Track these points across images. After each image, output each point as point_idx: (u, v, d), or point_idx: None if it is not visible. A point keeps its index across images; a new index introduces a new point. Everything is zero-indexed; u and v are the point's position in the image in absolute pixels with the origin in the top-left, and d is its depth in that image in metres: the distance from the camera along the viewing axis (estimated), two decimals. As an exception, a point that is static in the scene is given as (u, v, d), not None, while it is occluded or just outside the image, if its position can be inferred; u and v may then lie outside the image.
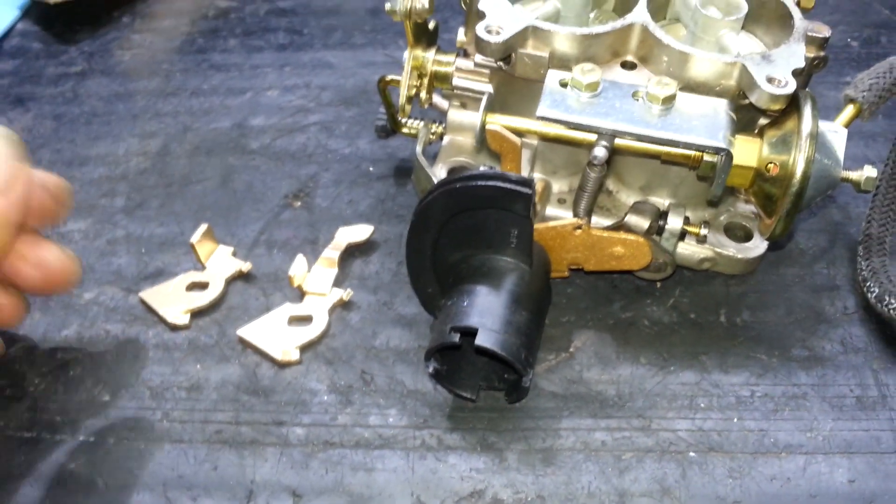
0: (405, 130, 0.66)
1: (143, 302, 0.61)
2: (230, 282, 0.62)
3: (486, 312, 0.51)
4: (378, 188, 0.69)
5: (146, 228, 0.66)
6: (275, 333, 0.58)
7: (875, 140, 0.70)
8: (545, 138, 0.57)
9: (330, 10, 0.89)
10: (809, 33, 0.55)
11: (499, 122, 0.56)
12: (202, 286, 0.61)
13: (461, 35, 0.62)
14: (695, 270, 0.61)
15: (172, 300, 0.60)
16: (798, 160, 0.50)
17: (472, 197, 0.51)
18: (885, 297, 0.54)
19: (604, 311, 0.60)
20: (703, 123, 0.51)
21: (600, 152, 0.52)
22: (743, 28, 0.58)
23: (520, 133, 0.56)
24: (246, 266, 0.62)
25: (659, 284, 0.61)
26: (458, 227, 0.53)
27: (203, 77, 0.80)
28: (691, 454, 0.52)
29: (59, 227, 0.66)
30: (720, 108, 0.52)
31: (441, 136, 0.65)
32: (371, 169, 0.71)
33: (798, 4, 0.58)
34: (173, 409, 0.55)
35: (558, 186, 0.62)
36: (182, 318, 0.59)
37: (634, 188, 0.61)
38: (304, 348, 0.58)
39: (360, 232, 0.64)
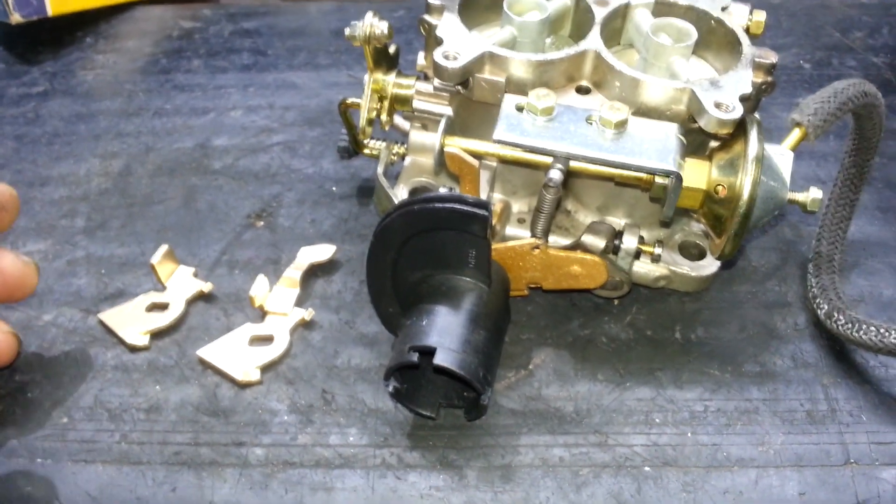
0: (367, 151, 0.67)
1: (102, 323, 0.60)
2: (191, 302, 0.62)
3: (445, 332, 0.52)
4: (341, 208, 0.70)
5: (106, 249, 0.66)
6: (235, 354, 0.58)
7: (826, 160, 0.72)
8: (503, 160, 0.58)
9: (294, 31, 0.90)
10: (757, 59, 0.57)
11: (457, 145, 0.57)
12: (162, 307, 0.61)
13: (421, 59, 0.63)
14: (651, 288, 0.62)
15: (132, 321, 0.60)
16: (745, 183, 0.52)
17: (430, 219, 0.52)
18: (833, 313, 0.56)
19: (563, 329, 0.61)
20: (654, 147, 0.53)
21: (555, 175, 0.53)
22: (694, 53, 0.60)
23: (479, 155, 0.57)
24: (207, 286, 0.62)
25: (616, 302, 0.62)
26: (417, 248, 0.53)
27: (166, 97, 0.81)
28: (646, 469, 0.53)
29: (20, 248, 0.66)
30: (671, 133, 0.54)
31: (403, 157, 0.66)
32: (334, 189, 0.71)
33: (747, 31, 0.60)
34: (132, 430, 0.55)
35: (518, 206, 0.63)
36: (141, 339, 0.59)
37: (592, 208, 0.62)
38: (265, 368, 0.58)
39: (322, 251, 0.65)
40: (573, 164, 0.54)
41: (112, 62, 0.85)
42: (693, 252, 0.62)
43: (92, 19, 0.90)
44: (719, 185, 0.53)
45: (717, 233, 0.55)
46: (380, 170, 0.63)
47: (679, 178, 0.52)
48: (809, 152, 0.71)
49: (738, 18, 0.61)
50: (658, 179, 0.53)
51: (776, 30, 0.86)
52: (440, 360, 0.50)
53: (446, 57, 0.56)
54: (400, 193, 0.63)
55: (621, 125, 0.53)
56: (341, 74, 0.83)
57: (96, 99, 0.81)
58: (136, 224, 0.68)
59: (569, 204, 0.63)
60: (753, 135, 0.52)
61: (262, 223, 0.68)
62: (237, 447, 0.54)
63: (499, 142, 0.54)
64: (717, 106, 0.52)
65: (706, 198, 0.54)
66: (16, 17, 0.84)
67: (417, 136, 0.64)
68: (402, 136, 0.66)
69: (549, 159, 0.54)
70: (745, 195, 0.52)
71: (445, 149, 0.56)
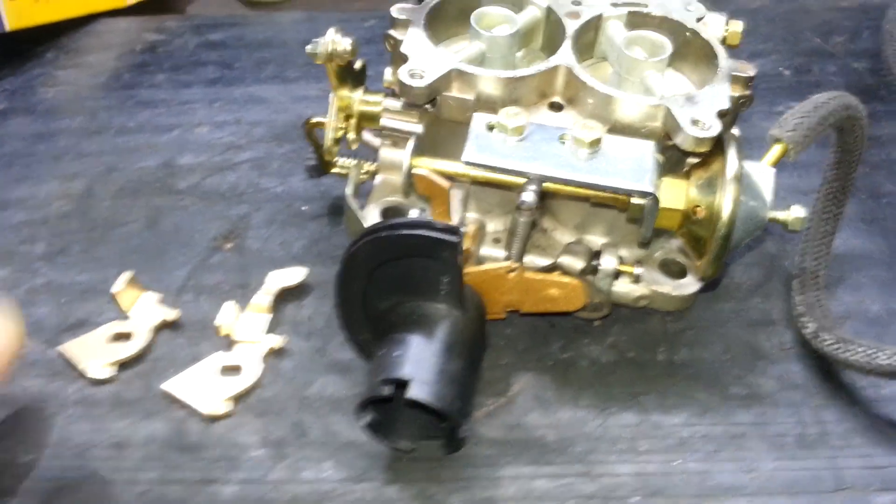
0: (336, 170, 0.65)
1: (62, 354, 0.58)
2: (156, 331, 0.60)
3: (419, 363, 0.50)
4: (312, 228, 0.67)
5: (67, 276, 0.64)
6: (203, 385, 0.56)
7: (808, 171, 0.70)
8: (475, 182, 0.56)
9: (262, 43, 0.87)
10: (734, 73, 0.55)
11: (427, 166, 0.55)
12: (126, 336, 0.59)
13: (388, 75, 0.61)
14: (632, 308, 0.60)
15: (94, 352, 0.58)
16: (724, 203, 0.50)
17: (398, 246, 0.50)
18: (820, 333, 0.54)
19: (543, 352, 0.59)
20: (629, 167, 0.51)
21: (528, 197, 0.51)
22: (671, 66, 0.58)
23: (450, 176, 0.55)
24: (173, 314, 0.60)
25: (597, 323, 0.60)
26: (387, 275, 0.51)
27: (129, 114, 0.78)
28: (634, 500, 0.51)
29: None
30: (647, 151, 0.52)
31: (373, 175, 0.64)
32: (304, 208, 0.69)
33: (724, 42, 0.58)
34: (98, 468, 0.52)
35: (493, 226, 0.61)
36: (104, 372, 0.57)
37: (569, 226, 0.60)
38: (235, 400, 0.56)
39: (292, 275, 0.63)
40: (547, 184, 0.52)
41: (74, 78, 0.83)
42: (675, 269, 0.60)
43: (53, 34, 0.87)
44: (697, 205, 0.52)
45: (697, 254, 0.53)
46: (348, 191, 0.61)
47: (655, 200, 0.51)
48: (792, 163, 0.69)
49: (715, 29, 0.59)
50: (634, 200, 0.52)
51: (754, 35, 0.84)
52: (413, 393, 0.48)
53: (412, 75, 0.54)
54: (371, 214, 0.61)
55: (595, 144, 0.52)
56: (311, 87, 0.81)
57: (57, 117, 0.78)
58: (99, 249, 0.66)
59: (546, 222, 0.61)
60: (732, 153, 0.51)
61: (229, 245, 0.66)
62: (207, 485, 0.52)
63: (468, 163, 0.52)
64: (694, 123, 0.51)
65: (684, 218, 0.53)
66: (-29, 34, 0.81)
67: (388, 153, 0.62)
68: (373, 153, 0.64)
69: (522, 180, 0.52)
70: (725, 216, 0.50)
71: (414, 170, 0.54)
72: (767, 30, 0.86)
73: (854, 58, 0.83)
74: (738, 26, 0.59)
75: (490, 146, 0.52)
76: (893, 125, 0.76)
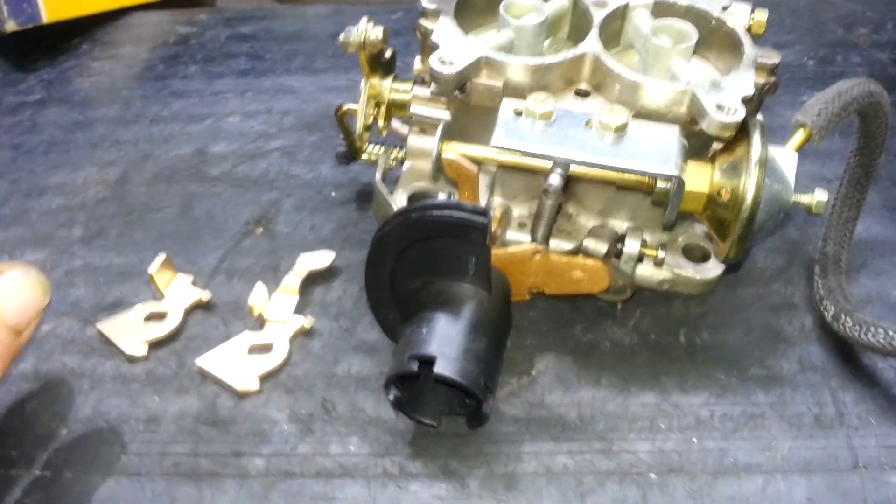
0: (365, 157, 0.66)
1: (100, 333, 0.60)
2: (189, 311, 0.61)
3: (445, 340, 0.51)
4: (340, 213, 0.69)
5: (104, 258, 0.66)
6: (234, 363, 0.58)
7: (832, 158, 0.71)
8: (502, 166, 0.57)
9: (291, 35, 0.89)
10: (759, 60, 0.56)
11: (455, 151, 0.57)
12: (160, 316, 0.61)
13: (417, 63, 0.62)
14: (655, 291, 0.61)
15: (130, 331, 0.60)
16: (748, 186, 0.51)
17: (428, 227, 0.51)
18: (840, 315, 0.55)
19: (565, 334, 0.60)
20: (655, 151, 0.52)
21: (555, 180, 0.52)
22: (696, 54, 0.59)
23: (477, 160, 0.57)
24: (205, 295, 0.62)
25: (620, 306, 0.61)
26: (416, 257, 0.53)
27: (163, 104, 0.80)
28: (652, 476, 0.52)
29: (18, 258, 0.65)
30: (672, 136, 0.53)
31: (401, 162, 0.65)
32: (333, 194, 0.70)
33: (749, 30, 0.59)
34: (131, 441, 0.54)
35: (518, 211, 0.62)
36: (140, 350, 0.59)
37: (594, 211, 0.61)
38: (265, 377, 0.57)
39: (321, 258, 0.64)
40: (573, 168, 0.53)
41: (108, 69, 0.85)
42: (697, 254, 0.61)
43: (88, 26, 0.89)
44: (722, 188, 0.53)
45: (720, 237, 0.54)
46: (378, 176, 0.62)
47: (681, 182, 0.52)
48: (815, 151, 0.70)
49: (740, 18, 0.60)
50: (660, 183, 0.52)
51: (779, 27, 0.85)
52: (440, 369, 0.50)
53: (442, 62, 0.55)
54: (398, 199, 0.62)
55: (621, 129, 0.53)
56: (339, 78, 0.82)
57: (93, 106, 0.80)
58: (134, 233, 0.68)
59: (570, 207, 0.62)
60: (756, 137, 0.51)
61: (260, 230, 0.68)
62: (237, 458, 0.53)
63: (497, 147, 0.53)
64: (719, 108, 0.52)
65: (709, 202, 0.54)
66: (11, 25, 0.83)
67: (416, 140, 0.63)
68: (401, 141, 0.65)
69: (548, 164, 0.53)
70: (749, 199, 0.51)
71: (443, 155, 0.56)
72: (791, 21, 0.87)
73: (878, 48, 0.83)
74: (763, 15, 0.60)
75: (518, 131, 0.53)
76: (916, 116, 0.76)
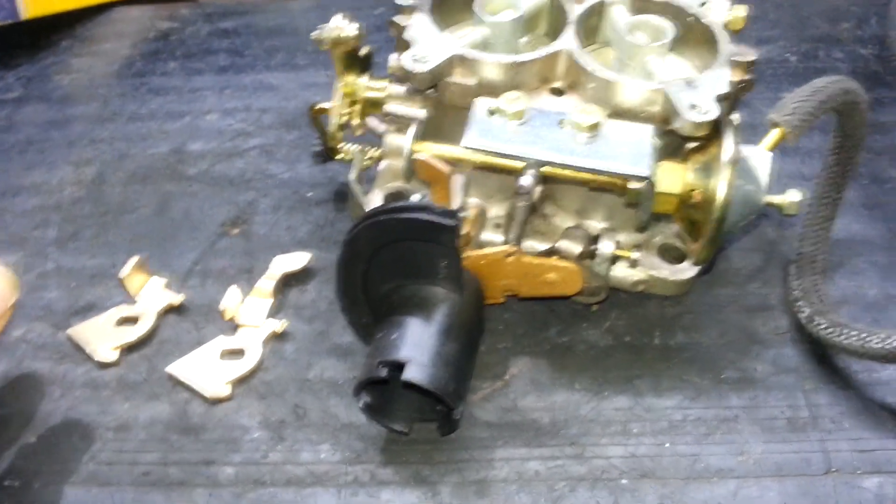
0: (340, 156, 0.66)
1: (71, 339, 0.59)
2: (162, 315, 0.61)
3: (416, 345, 0.50)
4: (317, 213, 0.68)
5: (78, 261, 0.65)
6: (206, 369, 0.57)
7: (811, 156, 0.70)
8: (477, 167, 0.57)
9: (273, 31, 0.88)
10: (735, 58, 0.55)
11: (429, 150, 0.56)
12: (133, 320, 0.60)
13: (392, 61, 0.61)
14: (631, 293, 0.61)
15: (101, 336, 0.59)
16: (719, 187, 0.50)
17: (397, 230, 0.50)
18: (814, 317, 0.55)
19: (540, 337, 0.59)
20: (627, 151, 0.51)
21: (526, 181, 0.51)
22: (673, 51, 0.58)
23: (451, 160, 0.56)
24: (178, 298, 0.61)
25: (595, 308, 0.61)
26: (387, 259, 0.52)
27: (141, 101, 0.79)
28: (623, 481, 0.52)
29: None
30: (645, 136, 0.52)
31: (378, 161, 0.64)
32: (310, 194, 0.70)
33: (727, 27, 0.58)
34: (101, 450, 0.54)
35: (494, 211, 0.61)
36: (111, 355, 0.58)
37: (570, 212, 0.61)
38: (237, 383, 0.57)
39: (296, 260, 0.63)
40: (546, 169, 0.53)
41: (88, 66, 0.84)
42: (673, 254, 0.60)
43: (68, 22, 0.88)
44: (694, 189, 0.52)
45: (693, 237, 0.54)
46: (352, 176, 0.62)
47: (652, 183, 0.51)
48: (794, 149, 0.69)
49: (718, 14, 0.59)
50: (632, 184, 0.52)
51: (762, 21, 0.84)
52: (409, 375, 0.49)
53: (415, 60, 0.54)
54: (374, 200, 0.62)
55: (594, 128, 0.52)
56: (320, 75, 0.82)
57: (71, 104, 0.80)
58: (109, 234, 0.67)
59: (547, 208, 0.61)
60: (729, 137, 0.51)
61: (236, 231, 0.67)
62: (207, 466, 0.53)
63: (468, 148, 0.53)
64: (693, 107, 0.51)
65: (681, 202, 0.53)
66: (-12, 22, 0.83)
67: (392, 139, 0.62)
68: (378, 139, 0.65)
69: (522, 164, 0.53)
70: (719, 200, 0.50)
71: (414, 156, 0.55)
72: (775, 16, 0.86)
73: (861, 44, 0.82)
74: (741, 11, 0.59)
75: (490, 131, 0.53)
76: (899, 111, 0.75)
